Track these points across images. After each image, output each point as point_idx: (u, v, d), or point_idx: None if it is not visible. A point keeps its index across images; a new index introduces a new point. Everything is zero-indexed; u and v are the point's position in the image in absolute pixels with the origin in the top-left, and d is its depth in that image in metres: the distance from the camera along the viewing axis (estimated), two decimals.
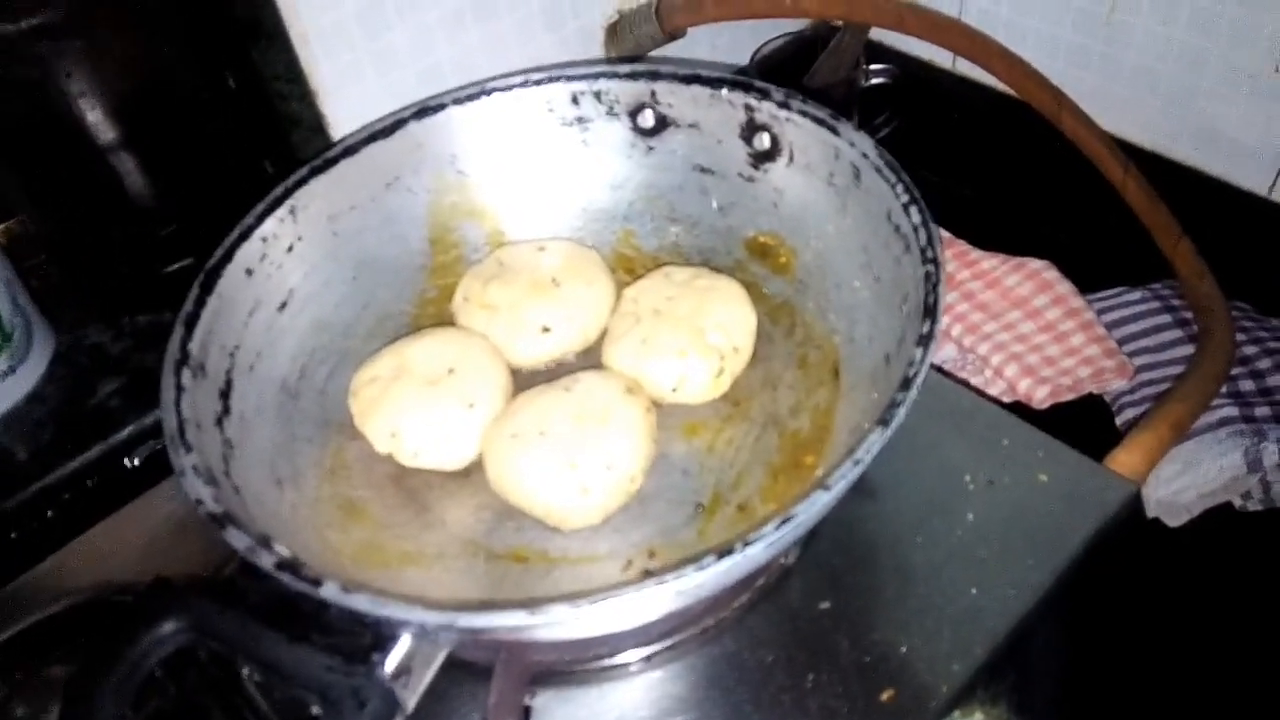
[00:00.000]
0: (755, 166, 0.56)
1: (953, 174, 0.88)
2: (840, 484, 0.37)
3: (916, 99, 0.88)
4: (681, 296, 0.53)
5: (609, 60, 0.62)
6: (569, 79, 0.58)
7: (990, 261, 0.79)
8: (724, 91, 0.55)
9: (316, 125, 0.65)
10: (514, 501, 0.48)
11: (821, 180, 0.53)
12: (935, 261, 0.44)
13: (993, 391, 0.73)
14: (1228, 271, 0.71)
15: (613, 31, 0.78)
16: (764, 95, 0.54)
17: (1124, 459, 0.56)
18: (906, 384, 0.40)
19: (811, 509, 0.37)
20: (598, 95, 0.58)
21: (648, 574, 0.37)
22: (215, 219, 0.55)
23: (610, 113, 0.59)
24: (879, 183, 0.49)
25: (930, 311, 0.42)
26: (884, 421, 0.39)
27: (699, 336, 0.52)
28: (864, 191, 0.51)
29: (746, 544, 0.36)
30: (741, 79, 0.55)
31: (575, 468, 0.47)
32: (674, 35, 0.77)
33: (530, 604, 0.36)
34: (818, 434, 0.48)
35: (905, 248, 0.47)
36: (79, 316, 0.70)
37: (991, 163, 0.86)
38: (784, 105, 0.53)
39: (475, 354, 0.52)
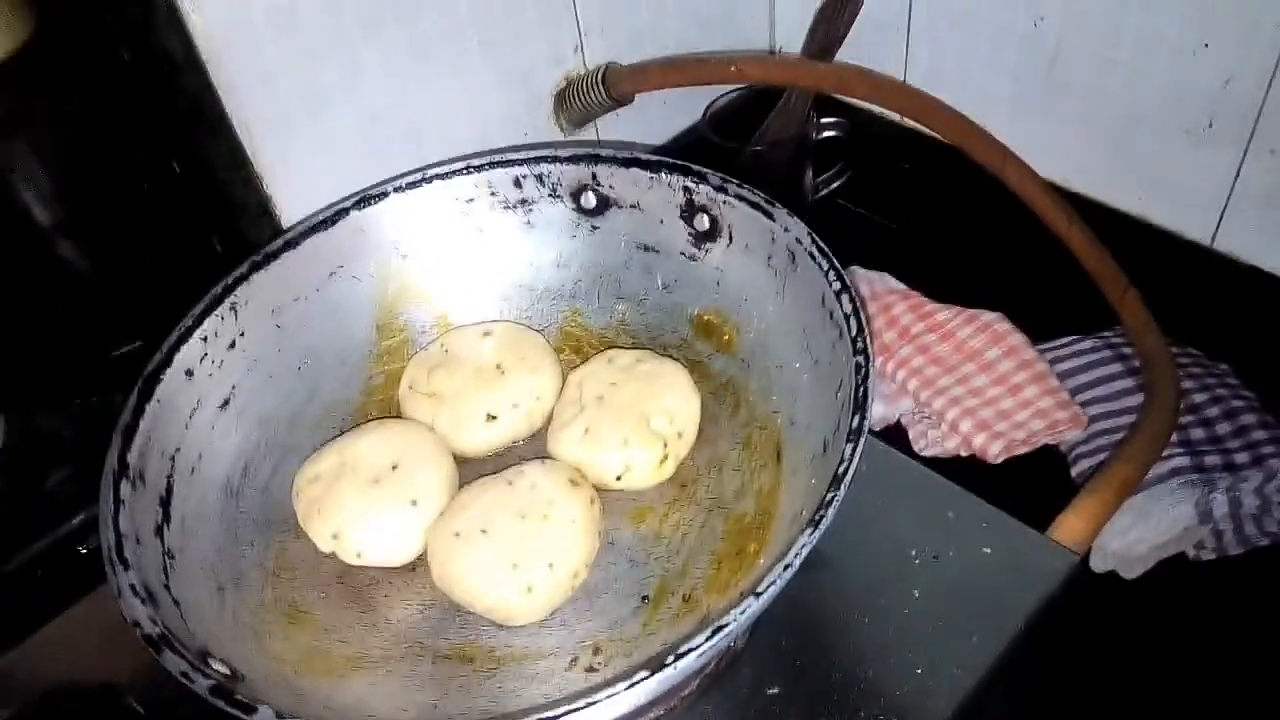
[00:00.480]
0: (697, 246, 0.57)
1: (907, 223, 0.89)
2: (770, 590, 0.38)
3: (869, 150, 0.89)
4: (625, 382, 0.54)
5: (552, 144, 0.62)
6: (510, 163, 0.58)
7: (945, 314, 0.80)
8: (663, 174, 0.56)
9: (263, 209, 0.65)
10: (458, 599, 0.48)
11: (760, 262, 0.54)
12: (865, 353, 0.44)
13: (949, 445, 0.74)
14: (1175, 319, 0.72)
15: (561, 99, 0.78)
16: (701, 179, 0.55)
17: (1070, 524, 0.57)
18: (836, 482, 0.40)
19: (741, 617, 0.37)
20: (540, 178, 0.59)
21: (590, 670, 0.37)
22: (165, 301, 0.56)
23: (553, 194, 0.59)
24: (813, 268, 0.50)
25: (860, 406, 0.43)
26: (814, 523, 0.39)
27: (642, 424, 0.52)
28: (800, 276, 0.51)
29: (678, 656, 0.37)
30: (679, 163, 0.56)
31: (517, 567, 0.47)
32: (621, 101, 0.77)
33: None
34: (761, 519, 0.49)
35: (839, 334, 0.47)
36: (27, 401, 0.70)
37: (944, 212, 0.87)
38: (720, 189, 0.54)
39: (419, 448, 0.52)
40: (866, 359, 0.44)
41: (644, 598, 0.49)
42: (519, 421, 0.55)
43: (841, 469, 0.41)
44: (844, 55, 0.81)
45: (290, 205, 0.65)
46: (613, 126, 0.83)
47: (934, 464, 0.73)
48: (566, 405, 0.54)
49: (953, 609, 0.50)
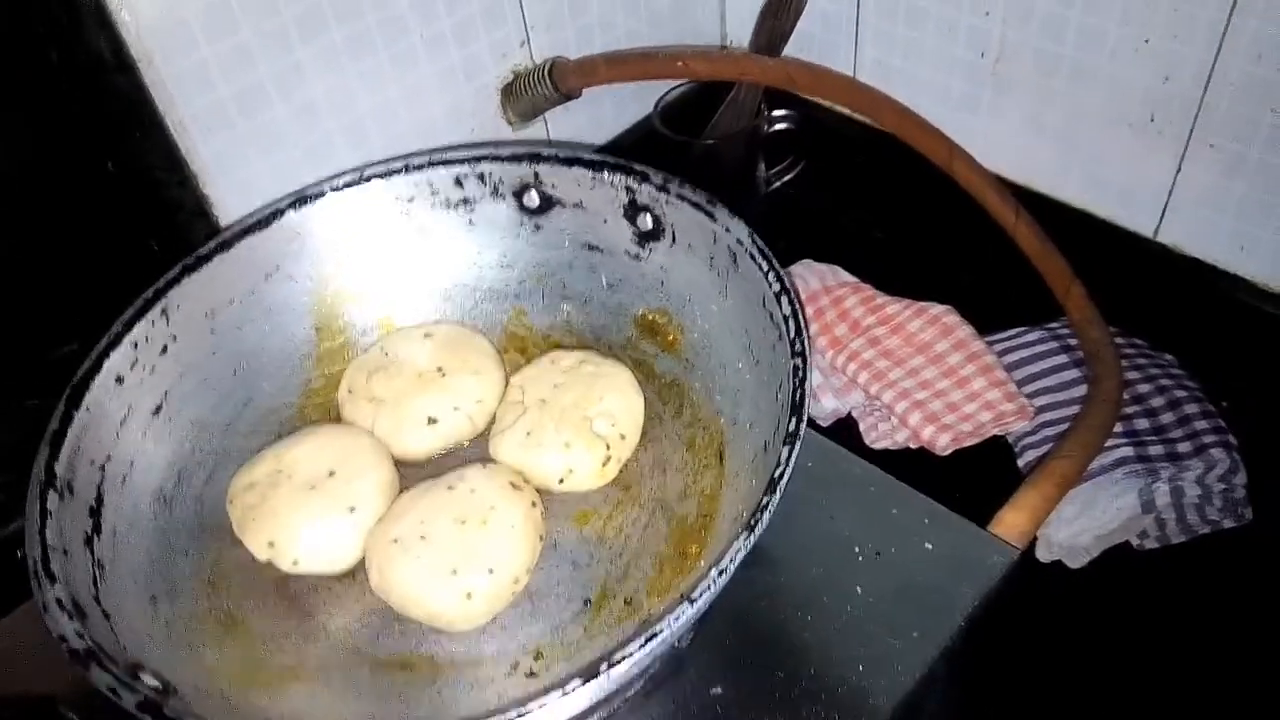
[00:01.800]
0: (640, 245, 0.57)
1: (858, 216, 0.90)
2: (705, 595, 0.38)
3: (820, 144, 0.89)
4: (568, 384, 0.53)
5: (494, 143, 0.62)
6: (450, 162, 0.58)
7: (894, 306, 0.80)
8: (605, 174, 0.55)
9: (199, 209, 0.64)
10: (397, 607, 0.47)
11: (703, 261, 0.54)
12: (803, 356, 0.44)
13: (899, 438, 0.74)
14: (1120, 309, 0.73)
15: (508, 92, 0.78)
16: (644, 178, 0.54)
17: (1011, 519, 0.57)
18: (772, 486, 0.40)
19: (676, 623, 0.37)
20: (481, 177, 0.58)
21: (531, 675, 0.36)
22: (102, 303, 0.54)
23: (495, 194, 0.58)
24: (754, 269, 0.49)
25: (796, 409, 0.42)
26: (749, 527, 0.39)
27: (585, 427, 0.52)
28: (741, 276, 0.51)
29: (612, 664, 0.36)
30: (621, 162, 0.55)
31: (457, 573, 0.46)
32: (569, 96, 0.77)
33: None
34: (703, 521, 0.49)
35: (779, 335, 0.47)
36: None
37: (895, 205, 0.87)
38: (663, 189, 0.54)
39: (358, 454, 0.51)
40: (804, 362, 0.44)
41: (586, 601, 0.48)
42: (460, 424, 0.54)
43: (778, 473, 0.41)
44: (794, 50, 0.81)
45: (228, 205, 0.64)
46: (562, 120, 0.83)
47: (883, 456, 0.74)
48: (509, 408, 0.54)
49: (894, 606, 0.50)
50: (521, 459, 0.52)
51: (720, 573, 0.38)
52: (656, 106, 0.87)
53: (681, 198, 0.53)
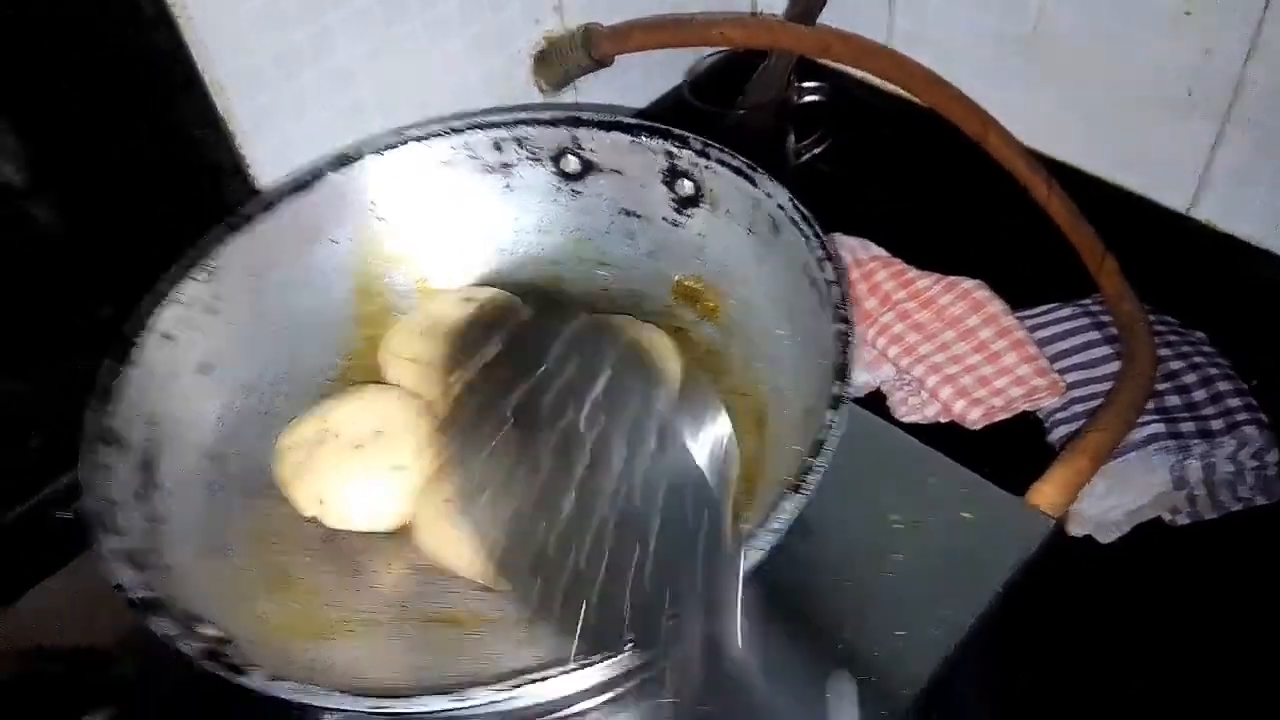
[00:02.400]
0: (679, 211, 0.57)
1: (888, 189, 0.89)
2: (755, 552, 0.38)
3: (850, 116, 0.89)
4: None
5: (532, 107, 0.62)
6: (489, 126, 0.58)
7: (925, 281, 0.80)
8: (644, 138, 0.55)
9: (236, 169, 0.64)
10: (445, 565, 0.48)
11: (743, 228, 0.54)
12: (847, 321, 0.44)
13: (929, 412, 0.74)
14: (1151, 286, 0.73)
15: (541, 59, 0.77)
16: (683, 143, 0.54)
17: (1045, 492, 0.58)
18: (817, 448, 0.40)
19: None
20: (519, 141, 0.58)
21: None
22: (139, 264, 0.55)
23: (533, 158, 0.58)
24: (796, 235, 0.49)
25: (841, 373, 0.43)
26: (797, 488, 0.40)
27: None
28: (782, 242, 0.51)
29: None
30: (661, 127, 0.55)
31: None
32: (602, 63, 0.77)
33: (455, 689, 0.36)
34: (745, 486, 0.49)
35: (820, 302, 0.47)
36: (2, 366, 0.69)
37: (925, 178, 0.87)
38: (702, 154, 0.54)
39: (402, 414, 0.52)
40: (849, 326, 0.44)
41: None
42: None
43: (823, 435, 0.41)
44: (827, 19, 0.81)
45: (264, 165, 0.64)
46: (593, 89, 0.83)
47: (914, 430, 0.74)
48: None
49: (933, 573, 0.50)
50: None
51: (774, 531, 0.38)
52: (686, 77, 0.87)
53: (721, 163, 0.53)
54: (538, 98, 0.79)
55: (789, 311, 0.51)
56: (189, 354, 0.52)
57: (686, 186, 0.55)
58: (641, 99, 0.89)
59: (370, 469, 0.50)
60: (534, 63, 0.78)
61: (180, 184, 0.66)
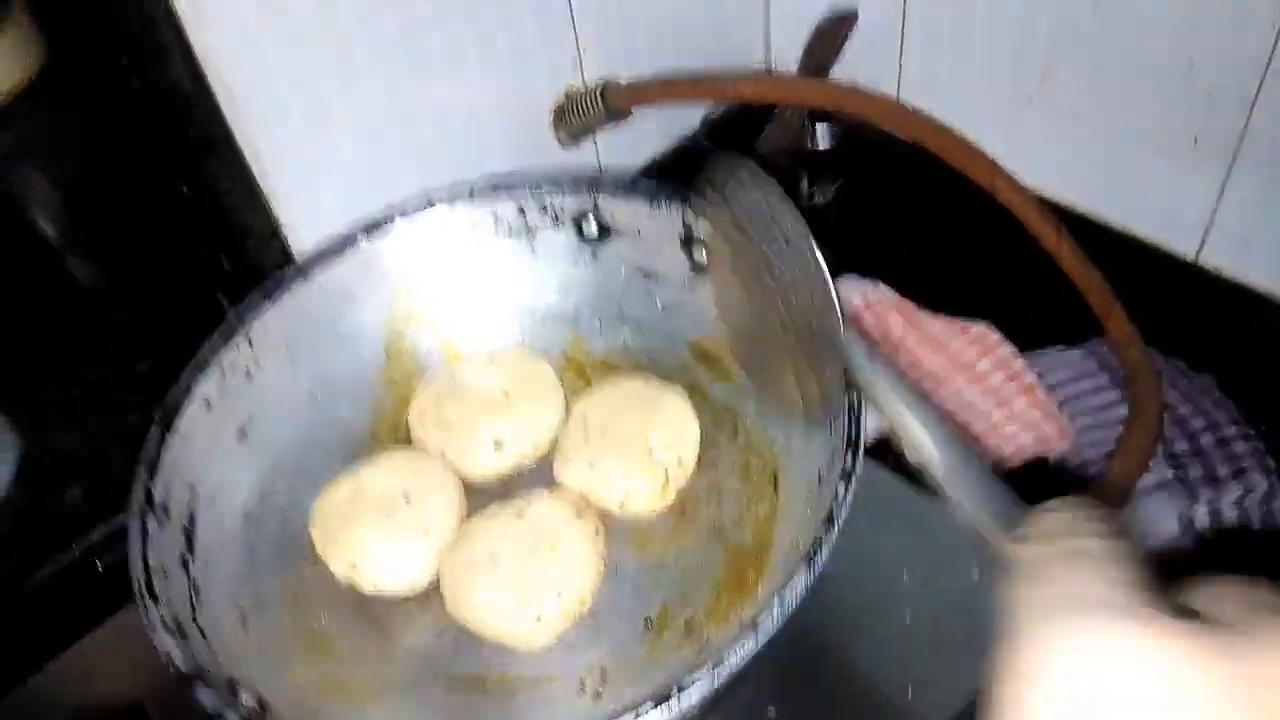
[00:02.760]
0: (696, 274, 0.59)
1: (900, 232, 0.91)
2: (767, 623, 0.40)
3: (863, 160, 0.90)
4: (627, 410, 0.56)
5: (554, 171, 0.64)
6: (513, 190, 0.60)
7: (936, 324, 0.82)
8: (662, 204, 0.57)
9: (272, 232, 0.66)
10: (471, 628, 0.50)
11: None
12: (860, 391, 0.46)
13: None
14: (1160, 331, 0.74)
15: (560, 114, 0.79)
16: (701, 211, 0.56)
17: None
18: (830, 521, 0.42)
19: (740, 652, 0.39)
20: (542, 206, 0.60)
21: (597, 695, 0.39)
22: (173, 321, 0.57)
23: (555, 221, 0.61)
24: None
25: (853, 445, 0.44)
26: (809, 558, 0.41)
27: (644, 452, 0.54)
28: None
29: (680, 689, 0.39)
30: (679, 190, 0.57)
31: (527, 598, 0.49)
32: (620, 117, 0.79)
33: None
34: (759, 549, 0.51)
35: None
36: (42, 418, 0.71)
37: (936, 221, 0.89)
38: None
39: (430, 479, 0.54)
40: (859, 397, 0.46)
41: (647, 620, 0.51)
42: (524, 447, 0.57)
43: (835, 507, 0.43)
44: (839, 65, 0.83)
45: (298, 226, 0.67)
46: (610, 136, 0.84)
47: (924, 473, 0.75)
48: (571, 435, 0.56)
49: (942, 633, 0.52)
50: (585, 483, 0.54)
51: (782, 603, 0.40)
52: (702, 123, 0.89)
53: None
54: (557, 148, 0.81)
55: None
56: (227, 419, 0.54)
57: (703, 253, 0.57)
58: (658, 145, 0.91)
59: (401, 534, 0.52)
60: (553, 116, 0.80)
61: (218, 247, 0.68)
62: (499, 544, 0.51)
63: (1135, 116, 0.73)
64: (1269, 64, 0.65)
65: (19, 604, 0.61)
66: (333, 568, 0.52)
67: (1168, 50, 0.68)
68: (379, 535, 0.52)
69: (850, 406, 0.46)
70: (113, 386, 0.71)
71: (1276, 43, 0.63)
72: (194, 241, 0.68)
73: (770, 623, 0.40)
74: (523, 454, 0.57)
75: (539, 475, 0.58)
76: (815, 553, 0.42)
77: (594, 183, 0.59)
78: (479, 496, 0.56)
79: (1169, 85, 0.70)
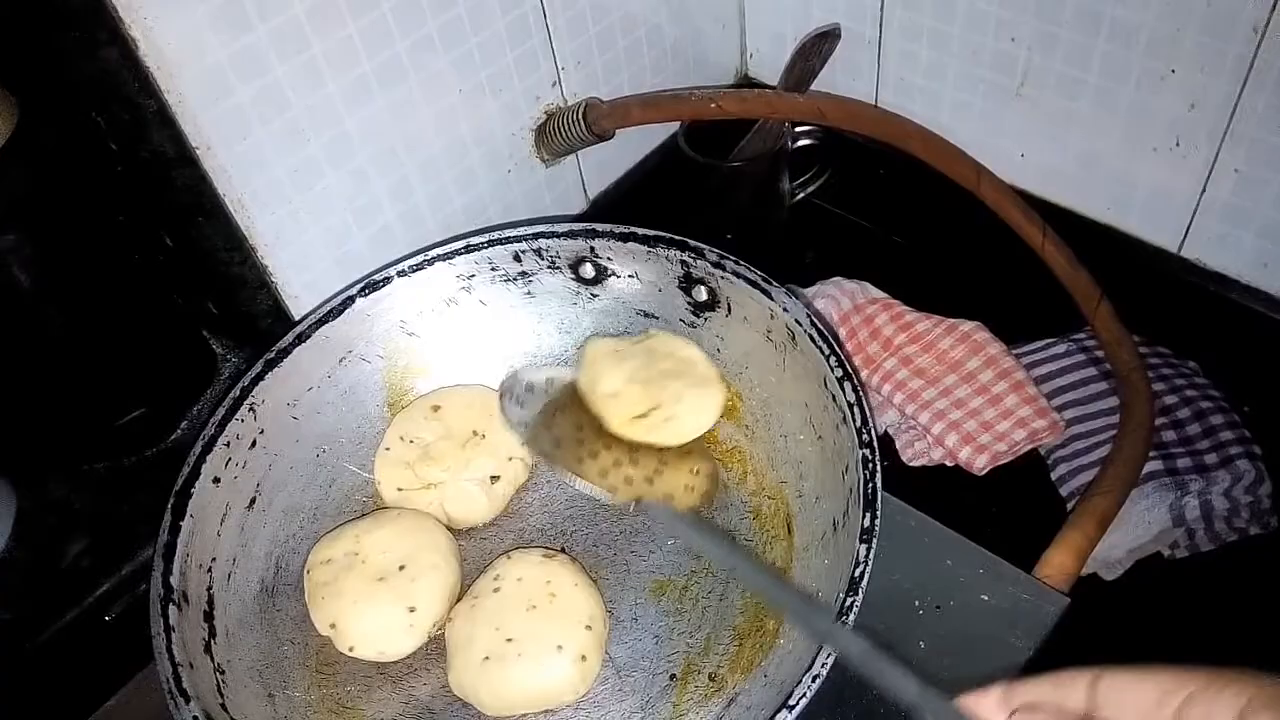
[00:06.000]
0: (696, 315, 0.59)
1: (883, 226, 0.91)
2: (802, 701, 0.41)
3: (844, 154, 0.90)
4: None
5: (550, 219, 0.63)
6: (509, 240, 0.59)
7: (925, 324, 0.82)
8: (660, 249, 0.57)
9: (261, 282, 0.65)
10: (522, 712, 0.50)
11: (760, 334, 0.56)
12: (871, 446, 0.47)
13: (934, 455, 0.77)
14: (1144, 320, 0.76)
15: (541, 133, 0.79)
16: (699, 254, 0.56)
17: (1057, 560, 0.61)
18: (854, 587, 0.43)
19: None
20: (539, 252, 0.60)
21: None
22: (164, 368, 0.56)
23: (552, 266, 0.60)
24: (813, 350, 0.52)
25: (869, 504, 0.45)
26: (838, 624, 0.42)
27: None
28: (800, 353, 0.53)
29: None
30: (676, 238, 0.57)
31: (563, 647, 0.50)
32: (602, 137, 0.78)
33: None
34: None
35: (842, 419, 0.49)
36: (38, 470, 0.70)
37: (919, 215, 0.89)
38: (718, 265, 0.56)
39: (428, 550, 0.54)
40: (873, 453, 0.47)
41: (672, 676, 0.52)
42: (518, 469, 0.58)
43: (857, 572, 0.43)
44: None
45: (287, 272, 0.66)
46: (591, 146, 0.84)
47: (921, 473, 0.77)
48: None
49: (955, 658, 0.53)
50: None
51: (815, 678, 0.41)
52: (682, 128, 0.88)
53: (737, 274, 0.55)
54: (540, 169, 0.81)
55: (809, 419, 0.53)
56: (236, 492, 0.54)
57: (702, 293, 0.58)
58: (639, 151, 0.90)
59: (386, 605, 0.52)
60: (535, 136, 0.79)
61: (205, 296, 0.67)
62: (503, 623, 0.51)
63: (1116, 118, 0.73)
64: (1249, 74, 0.65)
65: (32, 662, 0.61)
66: (315, 621, 0.52)
67: (1147, 58, 0.69)
68: (365, 601, 0.52)
69: (862, 461, 0.47)
70: (107, 436, 0.70)
71: (1257, 50, 0.64)
72: (183, 292, 0.67)
73: (805, 698, 0.41)
74: (517, 477, 0.58)
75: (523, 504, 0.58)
76: (844, 618, 0.42)
77: (590, 230, 0.59)
78: (472, 544, 0.57)
79: (1149, 90, 0.70)
